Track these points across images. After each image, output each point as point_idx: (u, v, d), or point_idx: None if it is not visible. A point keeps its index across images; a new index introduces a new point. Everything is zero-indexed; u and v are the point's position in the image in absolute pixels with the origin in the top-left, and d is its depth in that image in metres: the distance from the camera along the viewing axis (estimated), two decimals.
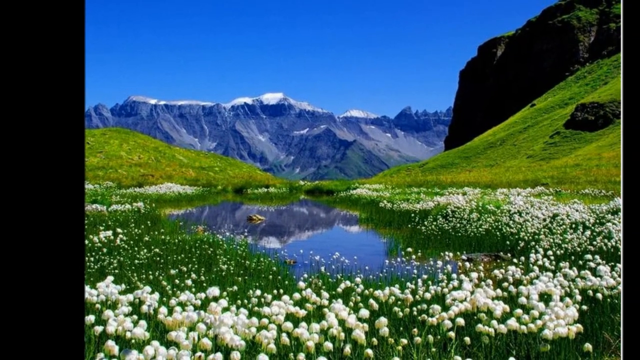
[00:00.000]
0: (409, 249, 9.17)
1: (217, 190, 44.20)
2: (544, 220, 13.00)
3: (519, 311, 4.27)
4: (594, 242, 9.29)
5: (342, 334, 3.83)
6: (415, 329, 4.24)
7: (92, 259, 9.01)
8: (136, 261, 9.10)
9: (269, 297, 5.32)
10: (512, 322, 4.06)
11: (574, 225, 12.01)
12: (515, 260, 7.37)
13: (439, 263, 7.69)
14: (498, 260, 10.07)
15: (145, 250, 9.89)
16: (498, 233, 12.36)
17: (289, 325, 3.76)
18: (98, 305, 4.56)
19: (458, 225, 14.37)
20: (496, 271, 6.27)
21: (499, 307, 4.35)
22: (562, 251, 9.08)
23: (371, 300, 4.64)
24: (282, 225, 21.46)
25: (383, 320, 3.97)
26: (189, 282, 6.51)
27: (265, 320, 3.96)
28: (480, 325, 4.14)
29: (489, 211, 15.60)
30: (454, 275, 5.95)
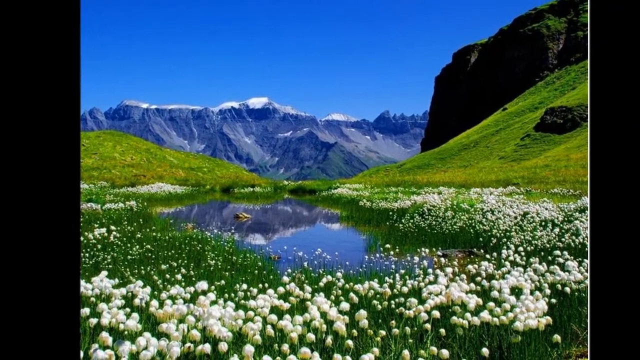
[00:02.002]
0: (387, 245, 9.20)
1: (206, 190, 43.99)
2: (515, 218, 13.13)
3: (491, 304, 4.31)
4: (563, 239, 9.40)
5: (324, 326, 3.84)
6: (393, 321, 4.27)
7: (87, 254, 8.94)
8: (129, 257, 9.04)
9: (255, 290, 5.31)
10: (485, 315, 4.10)
11: (543, 223, 12.15)
12: (487, 256, 7.44)
13: (416, 259, 7.74)
14: (472, 256, 10.15)
15: (137, 247, 9.83)
16: (472, 230, 12.45)
17: (273, 317, 3.76)
18: (93, 299, 4.53)
19: (434, 222, 14.45)
20: (470, 266, 6.32)
21: (473, 301, 4.38)
22: (532, 247, 9.18)
23: (351, 294, 4.66)
24: (267, 223, 21.43)
25: (363, 312, 3.99)
26: (178, 276, 6.49)
27: (251, 313, 3.95)
28: (454, 318, 4.17)
29: (463, 209, 15.71)
30: (430, 270, 5.99)
